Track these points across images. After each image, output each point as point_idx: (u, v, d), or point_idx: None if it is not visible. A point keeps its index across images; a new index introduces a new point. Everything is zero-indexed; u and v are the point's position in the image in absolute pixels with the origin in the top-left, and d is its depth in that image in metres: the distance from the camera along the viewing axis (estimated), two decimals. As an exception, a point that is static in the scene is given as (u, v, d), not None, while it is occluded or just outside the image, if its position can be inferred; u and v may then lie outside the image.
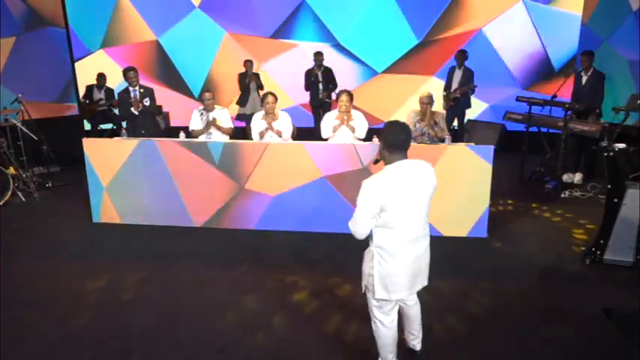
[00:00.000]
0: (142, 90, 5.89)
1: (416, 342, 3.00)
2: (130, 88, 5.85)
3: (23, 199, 6.25)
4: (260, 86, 8.07)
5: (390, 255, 2.57)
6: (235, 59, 8.73)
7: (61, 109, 8.96)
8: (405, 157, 2.55)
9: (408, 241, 2.57)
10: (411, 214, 2.54)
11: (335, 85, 8.01)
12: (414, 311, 2.92)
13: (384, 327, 2.75)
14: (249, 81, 7.95)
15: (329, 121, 5.35)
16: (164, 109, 8.60)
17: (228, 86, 8.89)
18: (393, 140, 2.52)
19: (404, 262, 2.59)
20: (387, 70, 8.91)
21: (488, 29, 8.44)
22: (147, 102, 5.89)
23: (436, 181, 2.63)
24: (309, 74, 7.97)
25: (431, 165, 2.67)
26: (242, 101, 8.07)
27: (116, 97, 8.10)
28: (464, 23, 8.47)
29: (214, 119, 5.54)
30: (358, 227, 2.52)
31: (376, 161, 2.82)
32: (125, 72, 5.82)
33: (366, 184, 2.50)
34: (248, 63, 8.00)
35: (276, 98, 5.39)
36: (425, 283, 2.77)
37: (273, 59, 9.00)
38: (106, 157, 5.28)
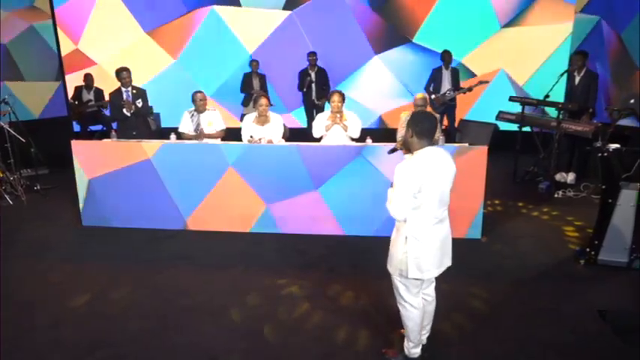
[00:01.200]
0: (134, 91, 5.80)
1: (424, 336, 3.14)
2: (123, 89, 5.76)
3: (11, 202, 6.15)
4: (264, 87, 8.01)
5: (423, 235, 2.74)
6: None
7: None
8: (431, 144, 2.75)
9: (436, 222, 2.76)
10: (439, 197, 2.72)
11: (328, 86, 7.98)
12: (432, 307, 3.08)
13: (414, 308, 2.91)
14: (253, 92, 7.85)
15: (321, 120, 5.31)
16: (155, 110, 8.51)
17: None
18: (421, 128, 2.70)
19: (434, 241, 2.77)
20: (382, 68, 8.88)
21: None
22: (139, 103, 5.81)
23: (455, 167, 2.82)
24: (303, 74, 7.92)
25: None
26: (246, 102, 8.01)
27: (106, 98, 8.07)
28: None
29: (202, 131, 5.39)
30: (400, 209, 2.66)
31: (392, 150, 3.03)
32: (118, 72, 5.73)
33: (402, 167, 2.65)
34: (254, 63, 7.95)
35: (269, 101, 5.34)
36: (449, 263, 2.94)
37: (272, 58, 8.98)
38: (95, 159, 5.19)
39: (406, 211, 2.67)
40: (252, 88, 7.92)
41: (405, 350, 3.05)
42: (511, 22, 8.41)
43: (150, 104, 6.12)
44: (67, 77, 9.14)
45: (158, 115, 8.67)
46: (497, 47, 8.48)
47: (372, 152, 4.81)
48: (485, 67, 8.53)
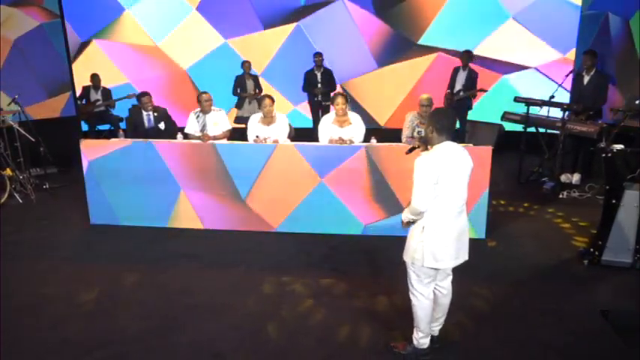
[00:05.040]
0: (156, 114, 5.89)
1: (436, 327, 3.21)
2: (144, 112, 5.85)
3: (20, 201, 6.22)
4: (258, 87, 8.01)
5: (440, 226, 2.84)
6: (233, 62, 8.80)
7: (59, 104, 8.94)
8: (450, 139, 2.85)
9: (454, 214, 2.86)
10: (457, 189, 2.83)
11: (334, 87, 7.99)
12: (447, 300, 3.14)
13: (425, 298, 2.99)
14: (245, 95, 7.87)
15: (325, 127, 5.28)
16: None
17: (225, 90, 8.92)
18: (441, 124, 2.82)
19: (451, 233, 2.87)
20: (386, 69, 8.91)
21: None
22: (162, 126, 5.90)
23: (472, 162, 2.92)
24: (309, 75, 7.94)
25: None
26: (239, 104, 8.01)
27: (113, 97, 8.16)
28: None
29: (206, 135, 5.38)
30: (421, 199, 2.77)
31: (410, 150, 3.12)
32: (139, 97, 5.85)
33: (421, 161, 2.77)
34: (246, 64, 7.94)
35: (273, 101, 5.35)
36: (466, 257, 3.02)
37: (270, 61, 8.99)
38: (103, 158, 5.25)
39: (428, 201, 2.77)
40: (246, 90, 7.92)
41: (414, 341, 3.10)
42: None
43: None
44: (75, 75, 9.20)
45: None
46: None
47: (375, 152, 4.85)
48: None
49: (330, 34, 8.83)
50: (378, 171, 4.86)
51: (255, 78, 8.06)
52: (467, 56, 7.46)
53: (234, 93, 7.95)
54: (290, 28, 8.93)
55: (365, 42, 8.83)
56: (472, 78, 7.45)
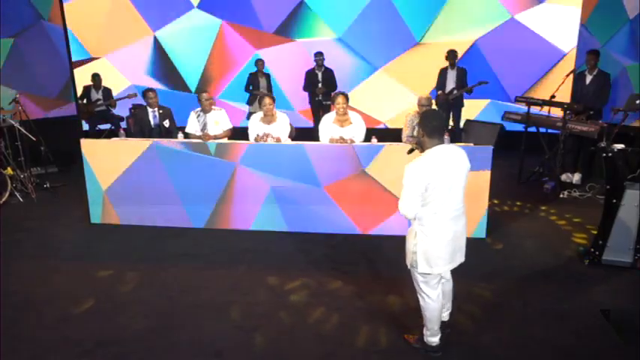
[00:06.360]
0: (161, 111, 5.89)
1: (445, 313, 3.26)
2: (149, 109, 5.85)
3: (21, 200, 6.23)
4: (269, 86, 8.05)
5: (433, 231, 2.83)
6: (233, 54, 8.80)
7: (60, 104, 8.96)
8: (442, 142, 2.84)
9: (449, 218, 2.84)
10: (451, 193, 2.80)
11: (335, 87, 7.98)
12: (448, 287, 3.20)
13: (432, 301, 3.00)
14: (257, 93, 7.87)
15: (326, 126, 5.28)
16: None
17: (224, 82, 8.92)
18: (430, 127, 2.80)
19: (445, 237, 2.85)
20: (386, 69, 8.90)
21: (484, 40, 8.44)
22: (167, 123, 5.90)
23: (469, 163, 2.89)
24: (310, 75, 7.95)
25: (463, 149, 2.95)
26: (251, 100, 8.07)
27: (114, 97, 8.16)
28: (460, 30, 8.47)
29: (206, 134, 5.37)
30: (408, 207, 2.77)
31: (410, 151, 3.11)
32: (145, 93, 5.85)
33: (410, 167, 2.76)
34: (259, 62, 7.99)
35: (273, 100, 5.37)
36: (462, 259, 3.04)
37: (273, 58, 8.97)
38: (104, 157, 5.25)
39: (414, 209, 2.77)
40: (259, 87, 7.95)
41: (424, 338, 3.14)
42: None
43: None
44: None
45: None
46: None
47: (375, 151, 4.85)
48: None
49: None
50: (375, 174, 4.88)
51: (268, 76, 8.10)
52: (453, 55, 7.54)
53: (247, 90, 8.03)
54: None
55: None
56: (462, 75, 7.54)
